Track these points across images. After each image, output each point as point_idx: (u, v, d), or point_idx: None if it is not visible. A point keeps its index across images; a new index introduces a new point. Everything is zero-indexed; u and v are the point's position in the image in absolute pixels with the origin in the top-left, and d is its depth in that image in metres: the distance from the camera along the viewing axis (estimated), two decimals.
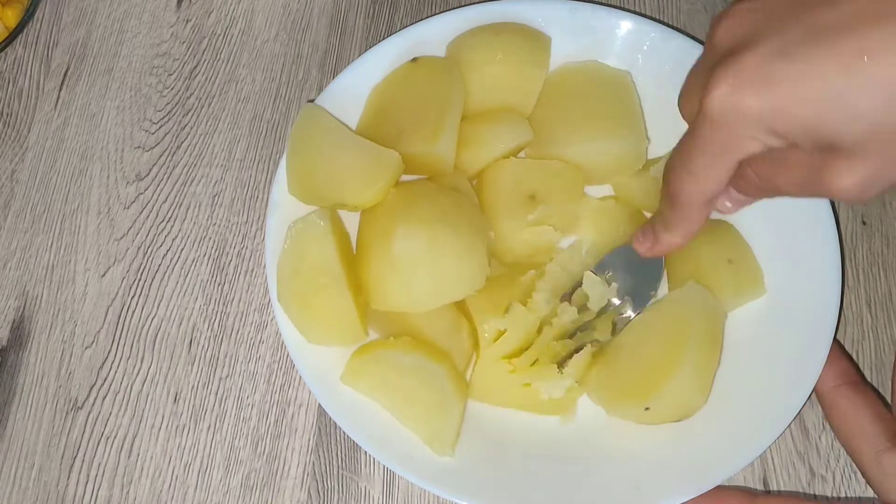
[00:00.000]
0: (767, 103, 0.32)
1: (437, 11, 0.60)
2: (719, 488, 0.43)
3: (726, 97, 0.32)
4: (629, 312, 0.48)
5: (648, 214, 0.50)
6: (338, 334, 0.46)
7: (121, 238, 0.54)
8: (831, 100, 0.31)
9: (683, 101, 0.38)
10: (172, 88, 0.59)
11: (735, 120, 0.33)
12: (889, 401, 0.46)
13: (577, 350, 0.47)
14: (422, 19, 0.54)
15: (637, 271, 0.48)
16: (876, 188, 0.32)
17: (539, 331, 0.47)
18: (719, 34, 0.34)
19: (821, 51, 0.30)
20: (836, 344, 0.47)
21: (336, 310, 0.45)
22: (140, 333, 0.52)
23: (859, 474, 0.46)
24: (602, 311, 0.48)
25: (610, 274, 0.49)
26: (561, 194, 0.49)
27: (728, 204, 0.42)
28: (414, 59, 0.51)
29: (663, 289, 0.49)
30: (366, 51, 0.53)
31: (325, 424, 0.49)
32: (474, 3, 0.54)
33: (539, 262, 0.49)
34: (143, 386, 0.51)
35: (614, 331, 0.48)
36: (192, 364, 0.51)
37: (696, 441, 0.45)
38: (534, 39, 0.52)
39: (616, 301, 0.49)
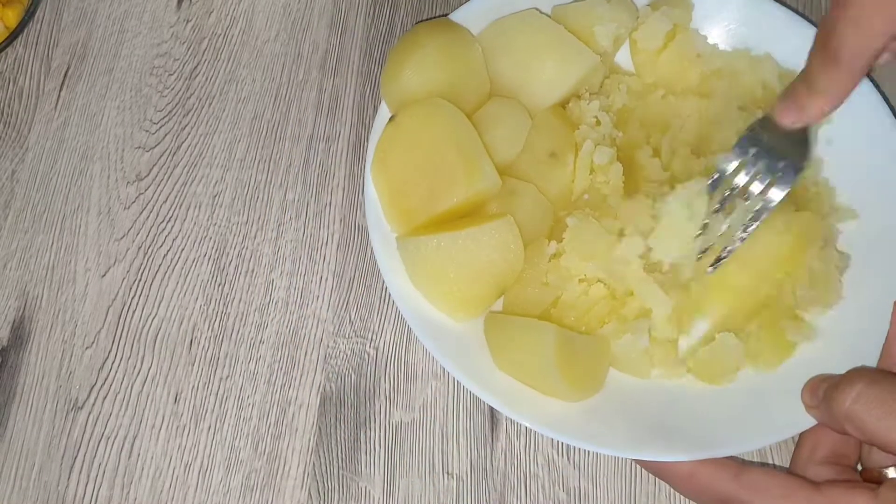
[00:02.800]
0: None
1: (436, 12, 0.60)
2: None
3: None
4: (778, 194, 0.45)
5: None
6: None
7: (121, 238, 0.54)
8: None
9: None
10: (173, 88, 0.58)
11: None
12: None
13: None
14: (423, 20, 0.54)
15: (782, 146, 0.44)
16: None
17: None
18: None
19: None
20: None
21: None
22: (140, 334, 0.52)
23: None
24: (748, 197, 0.45)
25: (754, 153, 0.45)
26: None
27: (886, 54, 0.39)
28: (392, 118, 0.49)
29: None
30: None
31: (325, 425, 0.49)
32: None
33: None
34: (143, 386, 0.51)
35: (757, 216, 0.45)
36: (193, 364, 0.51)
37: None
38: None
39: (758, 185, 0.45)
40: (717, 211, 0.45)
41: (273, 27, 0.60)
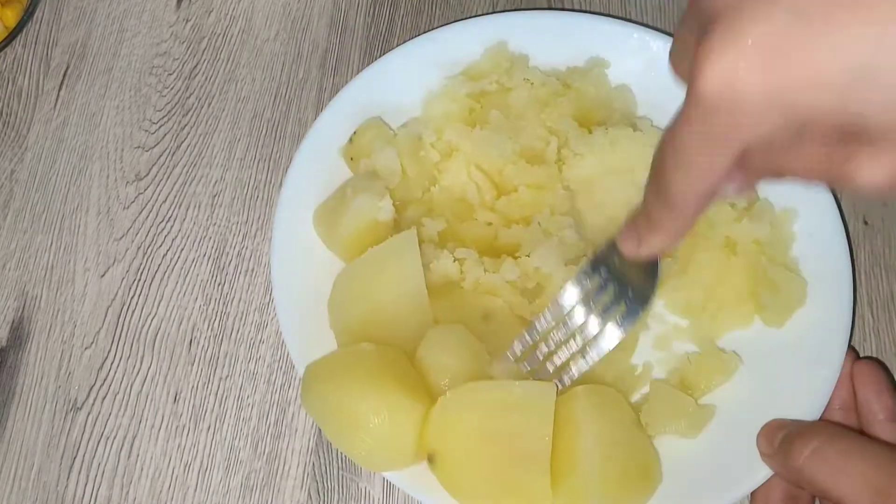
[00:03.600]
0: (778, 80, 0.25)
1: (436, 11, 0.60)
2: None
3: (725, 75, 0.26)
4: (613, 337, 0.43)
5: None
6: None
7: (120, 238, 0.54)
8: (859, 74, 0.24)
9: (675, 60, 0.32)
10: (172, 88, 0.58)
11: (737, 103, 0.26)
12: None
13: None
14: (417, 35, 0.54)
15: (632, 271, 0.42)
16: None
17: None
18: None
19: (846, 12, 0.24)
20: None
21: None
22: (140, 333, 0.52)
23: None
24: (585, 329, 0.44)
25: (604, 275, 0.43)
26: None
27: (730, 188, 0.33)
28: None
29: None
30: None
31: None
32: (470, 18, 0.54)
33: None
34: (142, 386, 0.50)
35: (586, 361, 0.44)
36: (192, 364, 0.51)
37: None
38: None
39: (596, 321, 0.43)
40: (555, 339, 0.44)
41: (273, 26, 0.60)
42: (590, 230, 0.49)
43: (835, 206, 0.48)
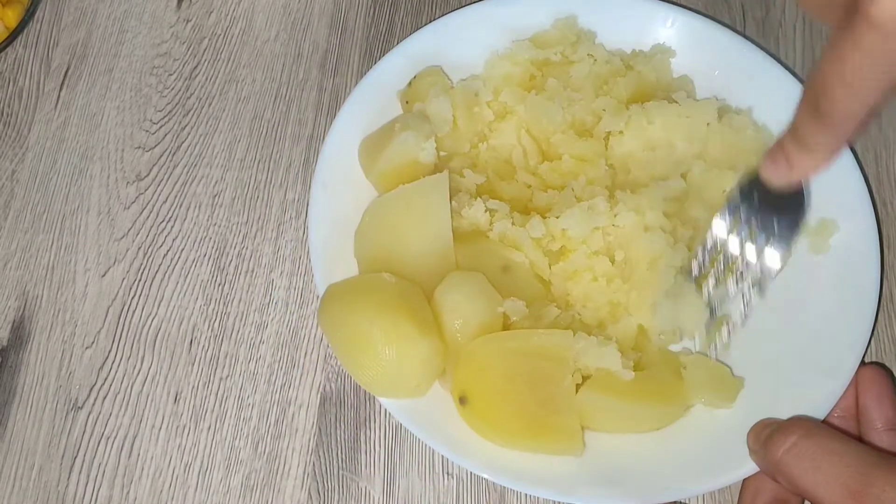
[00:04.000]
0: None
1: (436, 12, 0.60)
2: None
3: None
4: (774, 263, 0.43)
5: None
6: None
7: (121, 238, 0.54)
8: None
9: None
10: (172, 88, 0.58)
11: None
12: None
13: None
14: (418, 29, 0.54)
15: (774, 205, 0.42)
16: None
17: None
18: None
19: None
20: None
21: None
22: (140, 333, 0.52)
23: None
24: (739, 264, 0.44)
25: (744, 212, 0.42)
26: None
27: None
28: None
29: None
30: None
31: (325, 425, 0.49)
32: (469, 4, 0.54)
33: None
34: (143, 386, 0.51)
35: (761, 289, 0.44)
36: (193, 364, 0.51)
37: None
38: None
39: (753, 249, 0.43)
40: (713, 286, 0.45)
41: (273, 27, 0.60)
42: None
43: (874, 221, 0.47)
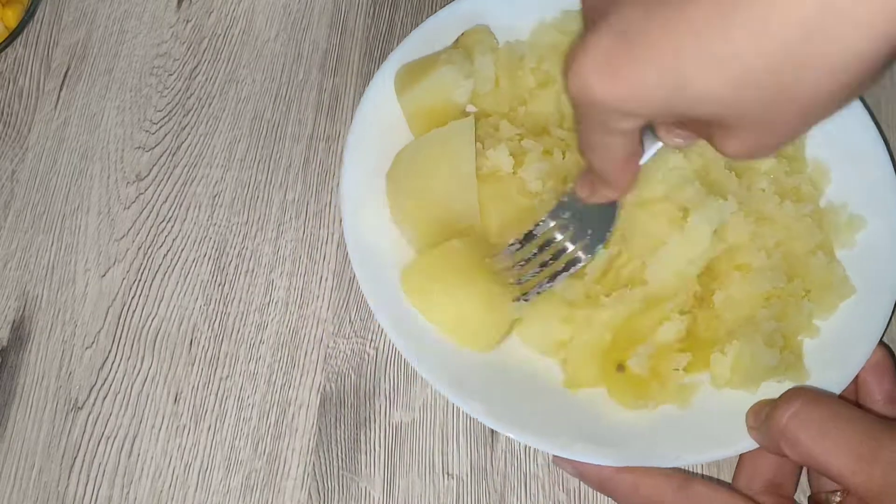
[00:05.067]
0: (615, 92, 0.30)
1: (435, 11, 0.60)
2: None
3: (579, 82, 0.30)
4: (581, 257, 0.46)
5: None
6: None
7: (121, 238, 0.54)
8: (673, 86, 0.28)
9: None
10: (172, 88, 0.58)
11: (594, 104, 0.31)
12: None
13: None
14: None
15: (591, 215, 0.45)
16: (767, 150, 0.31)
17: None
18: None
19: (655, 30, 0.28)
20: None
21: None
22: (140, 334, 0.52)
23: None
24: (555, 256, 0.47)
25: (568, 215, 0.46)
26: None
27: (675, 140, 0.37)
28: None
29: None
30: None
31: (325, 425, 0.49)
32: None
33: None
34: (143, 386, 0.51)
35: (558, 275, 0.46)
36: (193, 364, 0.51)
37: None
38: None
39: (569, 245, 0.46)
40: (525, 261, 0.47)
41: (273, 27, 0.60)
42: None
43: None
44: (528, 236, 0.47)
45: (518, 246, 0.47)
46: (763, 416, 0.41)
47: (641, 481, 0.42)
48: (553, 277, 0.46)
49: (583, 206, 0.44)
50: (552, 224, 0.46)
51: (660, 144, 0.38)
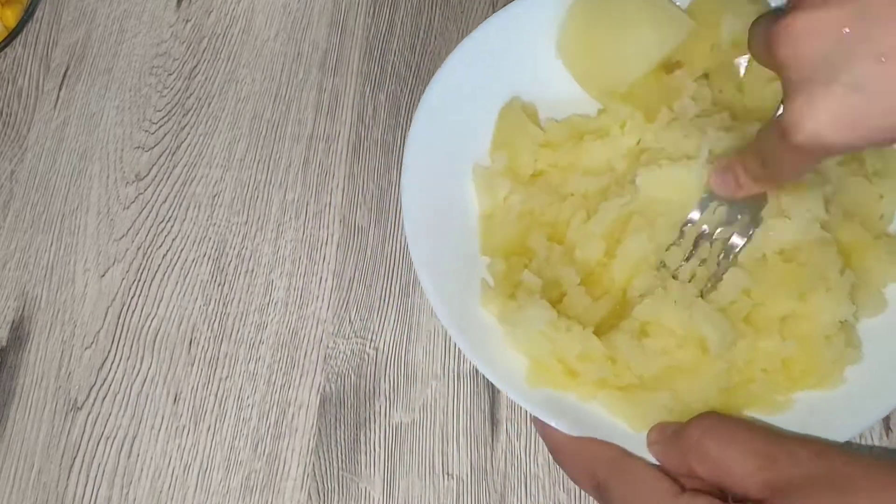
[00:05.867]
0: (849, 140, 0.33)
1: (436, 12, 0.60)
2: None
3: (811, 132, 0.33)
4: (737, 240, 0.46)
5: None
6: None
7: (120, 238, 0.54)
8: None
9: (757, 52, 0.38)
10: (172, 88, 0.58)
11: (823, 149, 0.34)
12: None
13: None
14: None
15: (741, 201, 0.46)
16: None
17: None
18: (796, 45, 0.34)
19: (889, 76, 0.31)
20: None
21: None
22: (140, 334, 0.52)
23: None
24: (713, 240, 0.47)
25: (716, 207, 0.46)
26: None
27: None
28: None
29: None
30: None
31: (324, 425, 0.49)
32: None
33: None
34: (142, 386, 0.50)
35: (724, 258, 0.46)
36: (192, 364, 0.51)
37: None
38: None
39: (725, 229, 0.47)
40: (687, 259, 0.47)
41: (273, 27, 0.60)
42: None
43: None
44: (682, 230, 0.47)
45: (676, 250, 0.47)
46: (669, 432, 0.42)
47: (583, 446, 0.42)
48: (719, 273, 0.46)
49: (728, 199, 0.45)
50: (701, 215, 0.47)
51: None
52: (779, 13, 0.35)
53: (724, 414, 0.42)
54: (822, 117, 0.33)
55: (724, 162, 0.44)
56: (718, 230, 0.47)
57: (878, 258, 0.46)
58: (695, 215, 0.47)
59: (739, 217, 0.46)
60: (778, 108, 0.39)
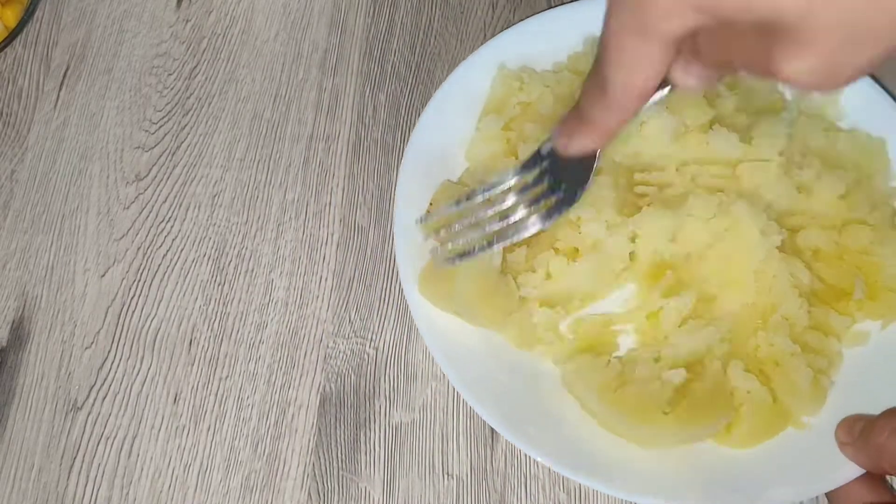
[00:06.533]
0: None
1: (436, 11, 0.60)
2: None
3: None
4: (537, 224, 0.42)
5: None
6: None
7: (120, 238, 0.54)
8: None
9: None
10: (172, 88, 0.58)
11: (652, 2, 0.28)
12: None
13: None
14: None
15: (569, 169, 0.40)
16: (838, 78, 0.27)
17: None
18: None
19: None
20: None
21: None
22: (140, 334, 0.52)
23: None
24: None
25: (545, 165, 0.41)
26: None
27: (690, 80, 0.33)
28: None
29: None
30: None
31: (324, 425, 0.49)
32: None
33: None
34: (142, 386, 0.50)
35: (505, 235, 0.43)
36: (192, 364, 0.51)
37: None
38: None
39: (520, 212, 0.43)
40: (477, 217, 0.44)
41: (273, 27, 0.60)
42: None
43: None
44: (488, 187, 0.43)
45: (477, 197, 0.44)
46: (857, 431, 0.42)
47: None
48: (490, 243, 0.43)
49: (557, 162, 0.40)
50: (513, 181, 0.43)
51: (667, 88, 0.34)
52: None
53: None
54: None
55: (564, 116, 0.38)
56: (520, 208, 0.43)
57: None
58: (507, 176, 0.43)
59: (560, 189, 0.41)
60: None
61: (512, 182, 0.43)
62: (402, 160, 0.50)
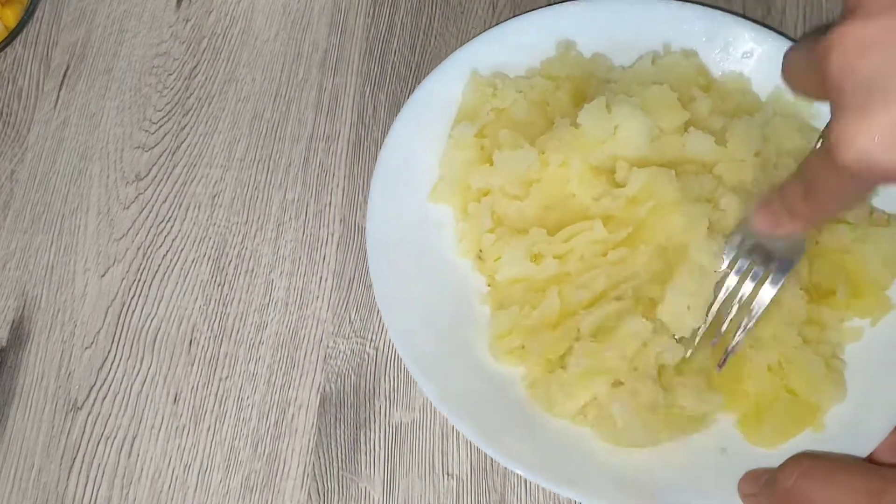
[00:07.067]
0: None
1: (436, 11, 0.60)
2: None
3: (859, 153, 0.30)
4: (769, 292, 0.45)
5: None
6: None
7: (120, 238, 0.54)
8: None
9: (791, 76, 0.37)
10: (172, 88, 0.58)
11: (874, 171, 0.31)
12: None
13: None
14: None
15: (774, 241, 0.44)
16: None
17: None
18: (852, 57, 0.30)
19: None
20: None
21: None
22: (140, 334, 0.52)
23: None
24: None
25: (748, 247, 0.45)
26: None
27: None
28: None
29: None
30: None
31: (324, 425, 0.49)
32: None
33: None
34: (142, 386, 0.50)
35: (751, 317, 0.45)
36: (192, 365, 0.51)
37: None
38: None
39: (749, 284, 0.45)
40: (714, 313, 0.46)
41: (273, 27, 0.60)
42: None
43: None
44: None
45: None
46: (762, 482, 0.41)
47: None
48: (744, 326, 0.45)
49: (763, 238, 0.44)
50: (729, 259, 0.46)
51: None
52: (822, 32, 0.32)
53: (812, 453, 0.42)
54: (875, 133, 0.30)
55: (764, 200, 0.42)
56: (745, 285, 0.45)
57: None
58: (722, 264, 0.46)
59: (772, 262, 0.44)
60: (818, 139, 0.38)
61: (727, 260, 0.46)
62: (373, 171, 0.50)
